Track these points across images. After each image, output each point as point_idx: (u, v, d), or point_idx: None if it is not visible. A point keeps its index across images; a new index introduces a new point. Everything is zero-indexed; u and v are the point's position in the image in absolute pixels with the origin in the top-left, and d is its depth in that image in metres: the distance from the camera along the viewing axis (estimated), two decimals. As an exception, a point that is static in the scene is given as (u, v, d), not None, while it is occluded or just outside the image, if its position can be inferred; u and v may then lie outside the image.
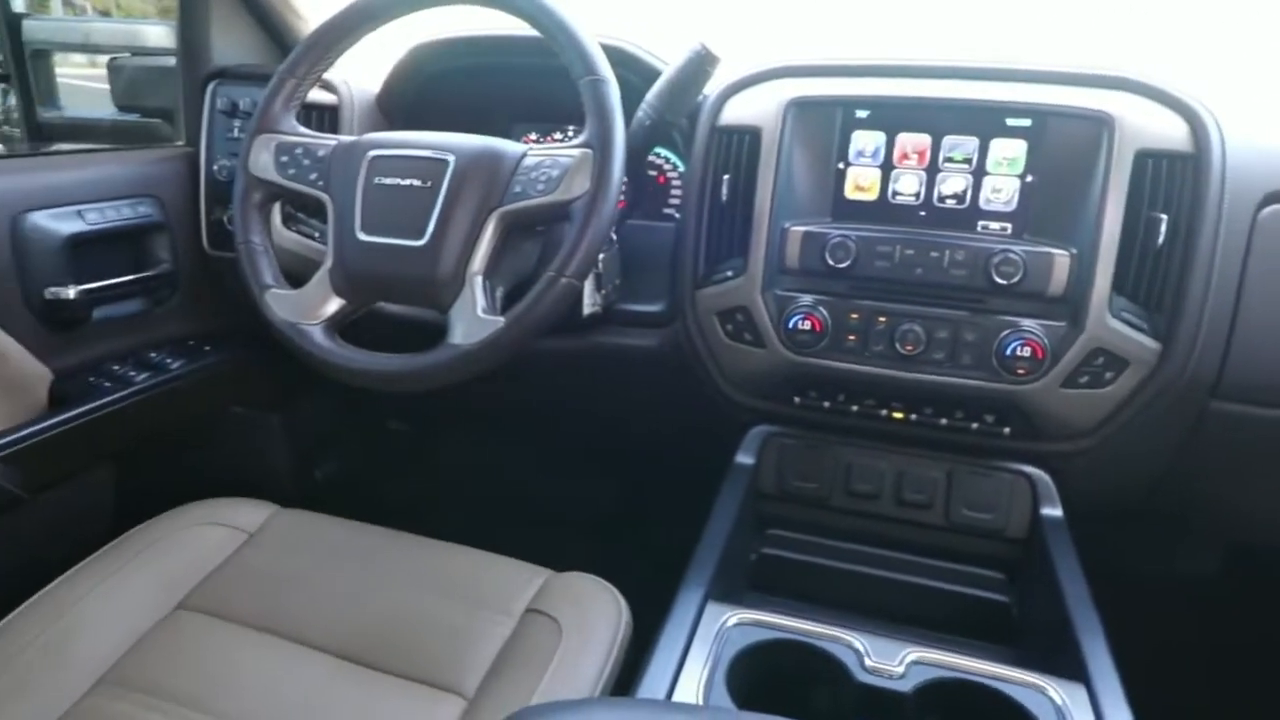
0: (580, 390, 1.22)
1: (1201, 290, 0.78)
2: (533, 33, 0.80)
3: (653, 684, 0.63)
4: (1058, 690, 0.63)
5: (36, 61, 1.36)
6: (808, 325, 0.85)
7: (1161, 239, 0.78)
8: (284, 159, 0.83)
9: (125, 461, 1.08)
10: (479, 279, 0.77)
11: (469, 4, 0.84)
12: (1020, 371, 0.81)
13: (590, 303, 0.90)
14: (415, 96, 1.12)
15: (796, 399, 0.92)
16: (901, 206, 0.87)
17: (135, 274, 1.06)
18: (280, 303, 0.82)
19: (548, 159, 0.77)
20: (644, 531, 1.40)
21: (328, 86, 1.06)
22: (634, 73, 0.96)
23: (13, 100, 1.40)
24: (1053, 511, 0.85)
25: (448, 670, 0.75)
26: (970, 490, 0.89)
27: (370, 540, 0.92)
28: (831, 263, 0.85)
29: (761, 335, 0.88)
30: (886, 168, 0.87)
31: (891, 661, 0.66)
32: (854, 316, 0.86)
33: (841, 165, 0.88)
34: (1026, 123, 0.82)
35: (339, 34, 0.85)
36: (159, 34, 1.32)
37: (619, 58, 0.91)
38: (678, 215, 1.05)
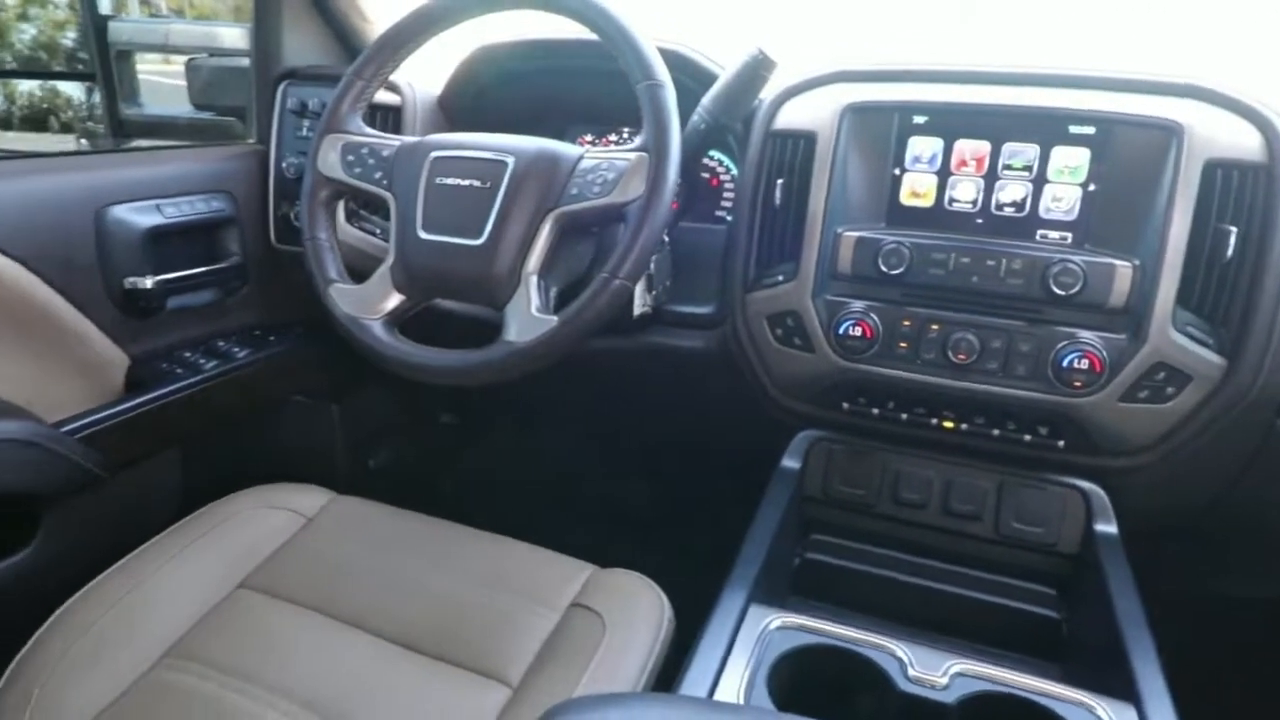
0: (629, 389, 1.24)
1: (1272, 305, 0.76)
2: (591, 37, 0.81)
3: (694, 682, 0.64)
4: (1106, 709, 0.62)
5: (120, 61, 1.43)
6: (858, 331, 0.85)
7: (1230, 251, 0.76)
8: (350, 158, 0.86)
9: (193, 445, 1.13)
10: (534, 278, 0.78)
11: (531, 9, 0.86)
12: (1077, 384, 0.79)
13: (641, 303, 0.91)
14: (476, 98, 1.14)
15: (845, 405, 0.91)
16: (958, 213, 0.86)
17: (207, 266, 1.10)
18: (343, 297, 0.85)
19: (604, 162, 0.78)
20: (687, 530, 1.41)
21: (392, 88, 1.09)
22: (691, 77, 0.97)
23: (97, 97, 1.47)
24: (1107, 528, 0.83)
25: (493, 659, 0.77)
26: (1021, 503, 0.87)
27: (421, 529, 0.95)
28: (884, 269, 0.84)
29: (811, 340, 0.88)
30: (943, 174, 0.86)
31: (935, 672, 0.66)
32: (906, 323, 0.85)
33: (897, 171, 0.87)
34: (1090, 130, 0.80)
35: (405, 38, 0.88)
36: (234, 35, 1.38)
37: (676, 62, 0.92)
38: (730, 218, 1.06)
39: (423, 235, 0.82)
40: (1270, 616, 1.14)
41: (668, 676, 0.74)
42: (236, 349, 1.13)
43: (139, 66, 1.53)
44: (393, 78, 0.94)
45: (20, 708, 0.70)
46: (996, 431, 0.86)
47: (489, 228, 0.79)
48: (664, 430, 1.36)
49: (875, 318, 0.85)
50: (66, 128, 1.74)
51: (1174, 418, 0.80)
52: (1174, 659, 0.67)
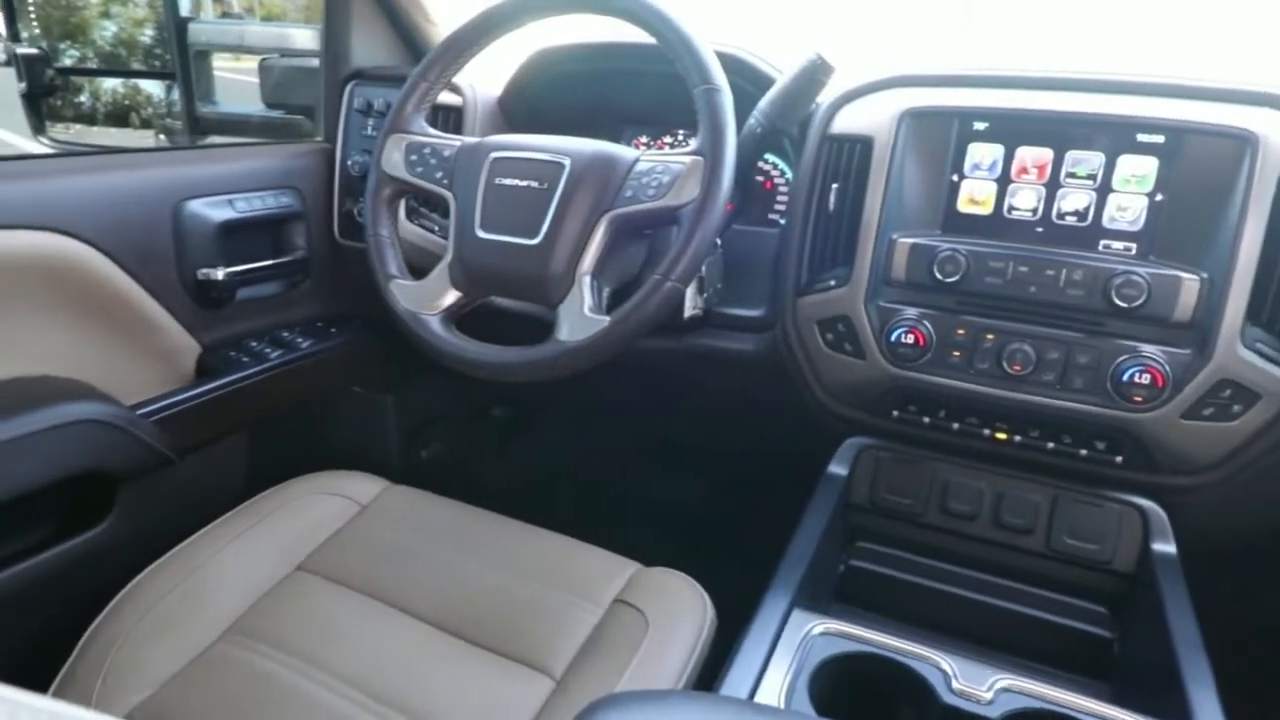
0: (677, 390, 1.24)
1: None
2: (649, 40, 0.82)
3: (735, 683, 0.65)
4: None
5: (198, 61, 1.49)
6: (911, 339, 0.84)
7: None
8: (413, 158, 0.89)
9: (257, 431, 1.17)
10: (587, 278, 0.80)
11: (591, 13, 0.87)
12: (1137, 399, 0.77)
13: (692, 305, 0.92)
14: (534, 99, 1.16)
15: (895, 412, 0.90)
16: (1017, 222, 0.84)
17: (274, 259, 1.15)
18: (403, 292, 0.87)
19: (659, 165, 0.79)
20: (732, 532, 1.41)
21: (454, 89, 1.12)
22: (748, 80, 0.97)
23: (175, 95, 1.54)
24: (1165, 547, 0.81)
25: (537, 651, 0.78)
26: (1075, 518, 0.85)
27: (471, 520, 0.97)
28: (939, 276, 0.83)
29: (862, 346, 0.88)
30: (1003, 181, 0.84)
31: (980, 686, 0.65)
32: (960, 332, 0.84)
33: (955, 177, 0.86)
34: (1159, 139, 0.78)
35: (468, 41, 0.90)
36: (305, 37, 1.42)
37: (734, 65, 0.92)
38: (783, 221, 1.06)
39: (481, 234, 0.84)
40: None
41: (708, 676, 0.75)
42: (300, 340, 1.17)
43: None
44: (455, 79, 0.96)
45: (95, 672, 0.75)
46: (1051, 445, 0.85)
47: (545, 228, 0.81)
48: (711, 432, 1.37)
49: (928, 325, 0.84)
50: (146, 124, 1.82)
51: (1239, 437, 0.77)
52: (1230, 686, 0.65)
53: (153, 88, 1.92)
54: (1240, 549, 0.93)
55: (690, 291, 0.91)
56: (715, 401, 1.22)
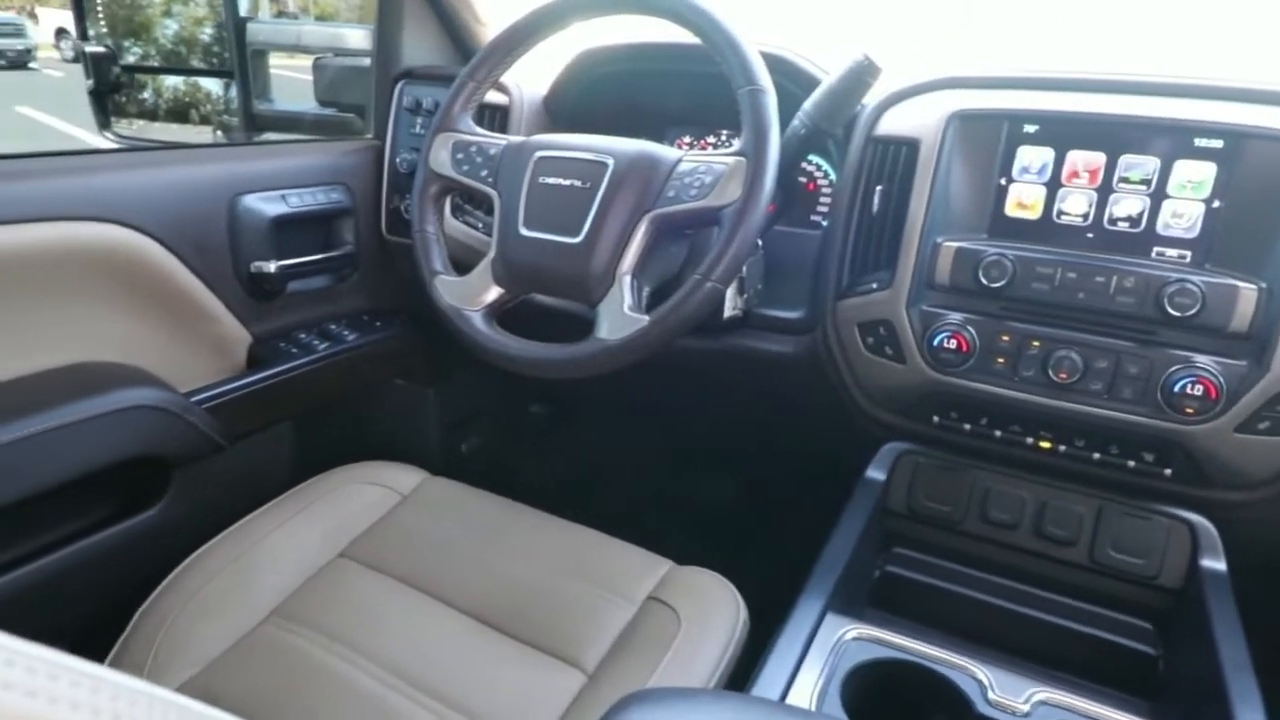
0: (714, 390, 1.24)
1: None
2: (693, 41, 0.83)
3: (767, 684, 0.65)
4: None
5: (255, 60, 1.54)
6: (953, 344, 0.83)
7: None
8: (459, 156, 0.90)
9: (304, 420, 1.20)
10: (628, 278, 0.80)
11: (636, 13, 0.88)
12: (1189, 411, 0.75)
13: (731, 306, 0.92)
14: (579, 98, 1.17)
15: (935, 418, 0.89)
16: (1066, 227, 0.83)
17: (324, 253, 1.17)
18: (447, 288, 0.89)
19: (702, 165, 0.79)
20: (767, 533, 1.41)
21: (501, 88, 1.14)
22: (793, 81, 0.97)
23: (233, 92, 1.59)
24: (1214, 564, 0.79)
25: (571, 645, 0.79)
26: (1121, 531, 0.83)
27: (508, 513, 0.98)
28: (985, 281, 0.82)
29: (903, 350, 0.87)
30: (1053, 185, 0.83)
31: (1017, 698, 0.64)
32: (1004, 339, 0.83)
33: (1003, 181, 0.85)
34: (1218, 144, 0.76)
35: (515, 42, 0.91)
36: (358, 36, 1.46)
37: (779, 66, 0.92)
38: (825, 223, 1.05)
39: (524, 232, 0.85)
40: None
41: (740, 677, 0.75)
42: (346, 332, 1.20)
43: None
44: (502, 79, 0.98)
45: (147, 648, 0.78)
46: (1097, 455, 0.83)
47: (587, 227, 0.81)
48: (748, 432, 1.36)
49: (972, 331, 0.83)
50: (205, 120, 1.88)
51: None
52: (1274, 704, 0.63)
53: (212, 85, 1.99)
54: None
55: (730, 292, 0.91)
56: (752, 402, 1.22)
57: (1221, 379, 0.74)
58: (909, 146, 0.87)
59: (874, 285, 0.88)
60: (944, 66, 0.91)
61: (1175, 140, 0.78)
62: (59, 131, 6.88)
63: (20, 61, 10.83)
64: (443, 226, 0.93)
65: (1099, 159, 0.81)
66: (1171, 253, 0.79)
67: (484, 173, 0.89)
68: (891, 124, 0.89)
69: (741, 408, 1.27)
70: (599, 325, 0.80)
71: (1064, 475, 0.86)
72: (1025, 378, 0.82)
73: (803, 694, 0.65)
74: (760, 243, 0.95)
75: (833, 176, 1.11)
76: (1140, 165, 0.79)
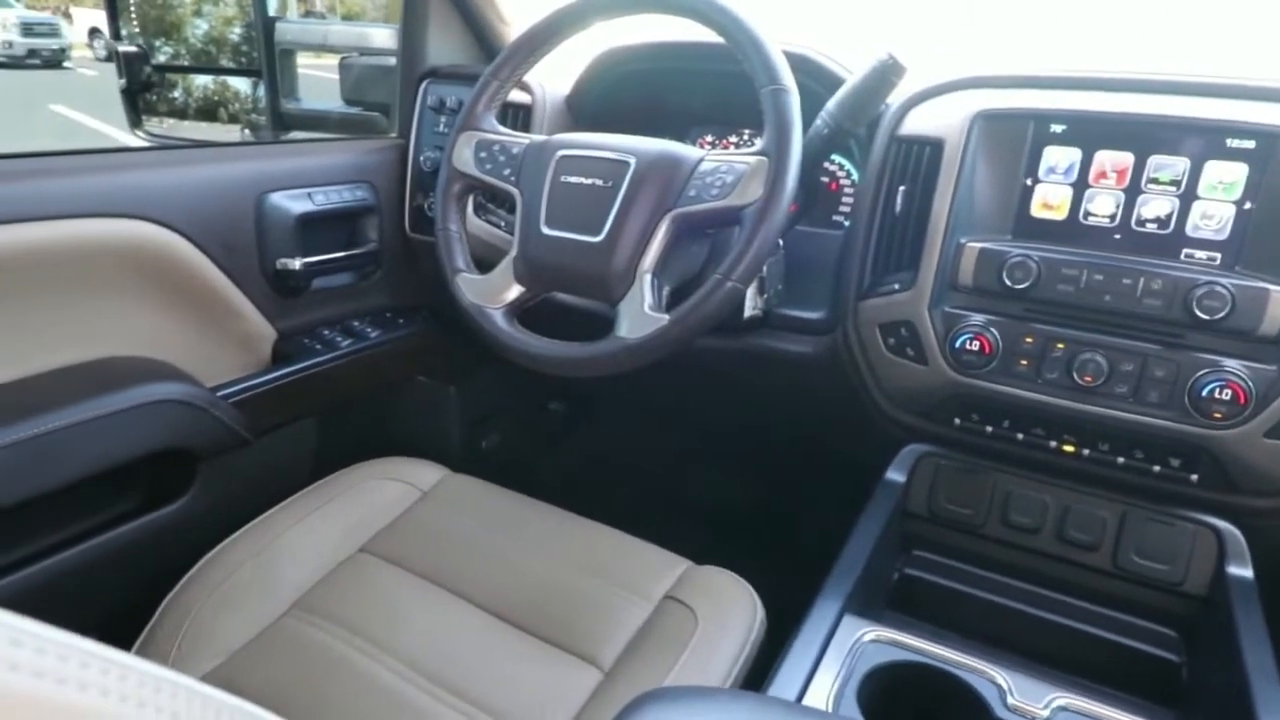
0: (733, 389, 1.24)
1: None
2: (715, 39, 0.82)
3: (784, 685, 0.65)
4: None
5: (283, 59, 1.56)
6: (976, 346, 0.82)
7: None
8: (482, 154, 0.91)
9: (327, 416, 1.22)
10: (648, 277, 0.80)
11: (660, 12, 0.88)
12: (1216, 415, 0.74)
13: (751, 306, 0.92)
14: (601, 98, 1.18)
15: (956, 420, 0.89)
16: (1093, 228, 0.82)
17: (348, 250, 1.19)
18: (469, 286, 0.90)
19: (723, 164, 0.79)
20: (785, 533, 1.40)
21: (524, 87, 1.14)
22: (816, 81, 0.97)
23: (261, 92, 1.61)
24: (1241, 571, 0.77)
25: (587, 642, 0.80)
26: (1145, 537, 0.82)
27: (527, 510, 0.99)
28: (1008, 282, 0.81)
29: (925, 352, 0.86)
30: (1079, 186, 0.82)
31: (1036, 704, 0.64)
32: (1028, 340, 0.82)
33: (1029, 181, 0.84)
34: (1250, 145, 0.75)
35: (539, 41, 0.92)
36: (383, 36, 1.47)
37: (802, 65, 0.92)
38: (847, 223, 1.05)
39: (545, 230, 0.85)
40: None
41: (756, 677, 0.75)
42: (369, 329, 1.21)
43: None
44: (525, 78, 0.98)
45: (172, 638, 0.79)
46: (1122, 459, 0.82)
47: (608, 226, 0.81)
48: (767, 432, 1.36)
49: (995, 332, 0.82)
50: (233, 119, 1.91)
51: None
52: None
53: (240, 84, 2.01)
54: None
55: (751, 292, 0.91)
56: (772, 403, 1.21)
57: (1250, 383, 0.73)
58: (933, 146, 0.86)
59: (896, 286, 0.88)
60: (969, 66, 0.90)
61: (1206, 140, 0.76)
62: (92, 129, 7.01)
63: (55, 60, 11.06)
64: (465, 225, 0.94)
65: (1127, 159, 0.80)
66: (1201, 255, 0.78)
67: (506, 171, 0.89)
68: (915, 124, 0.88)
69: (761, 408, 1.27)
70: (619, 324, 0.80)
71: (1087, 479, 0.85)
72: (1049, 380, 0.81)
73: (819, 695, 0.64)
74: (781, 242, 0.94)
75: (855, 176, 1.10)
76: (1170, 166, 0.78)
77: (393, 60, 1.28)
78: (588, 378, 0.83)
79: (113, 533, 0.92)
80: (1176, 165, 0.78)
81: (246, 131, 1.87)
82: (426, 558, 0.90)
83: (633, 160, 0.82)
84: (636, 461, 1.66)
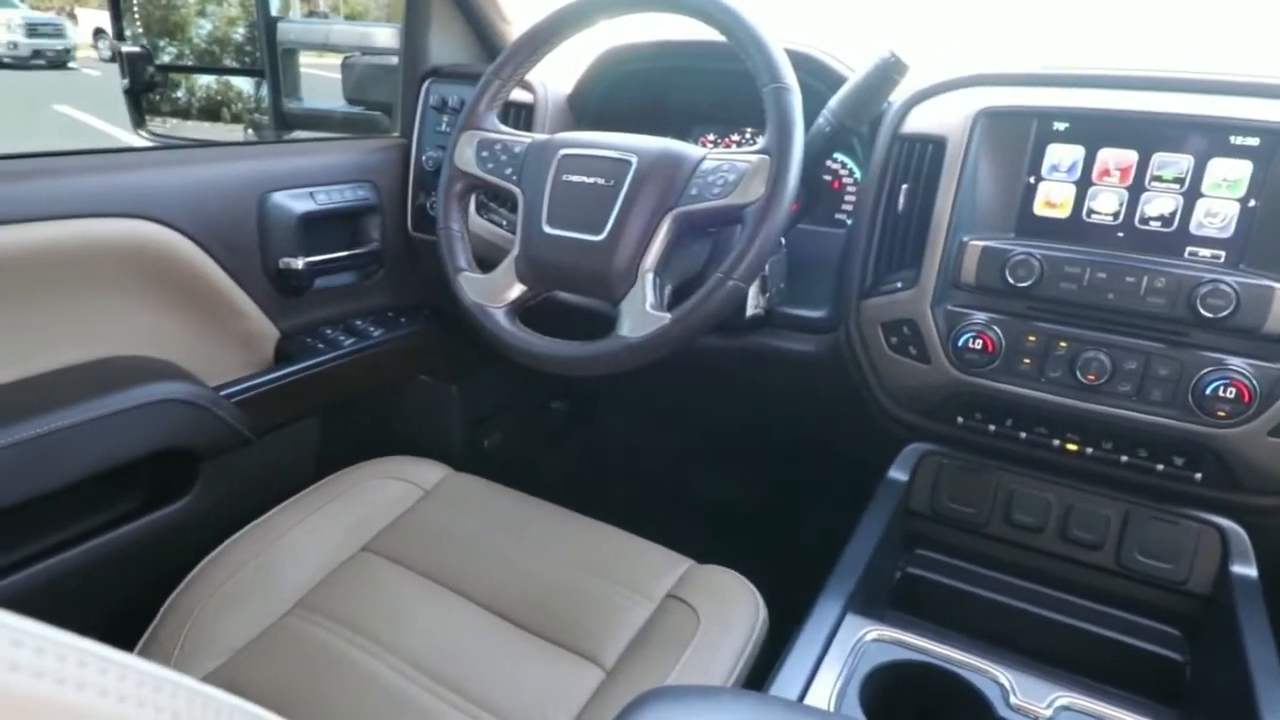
0: (735, 388, 1.24)
1: None
2: (717, 38, 0.82)
3: (785, 684, 0.65)
4: None
5: (285, 59, 1.56)
6: (979, 344, 0.82)
7: None
8: (484, 154, 0.91)
9: (329, 415, 1.22)
10: (650, 275, 0.80)
11: (662, 11, 0.88)
12: (1220, 414, 0.74)
13: (754, 304, 0.92)
14: (603, 97, 1.18)
15: (959, 419, 0.88)
16: (1096, 226, 0.81)
17: (350, 250, 1.19)
18: (471, 285, 0.90)
19: (725, 163, 0.79)
20: (785, 532, 1.40)
21: (526, 86, 1.14)
22: (819, 79, 0.96)
23: (264, 91, 1.61)
24: (1245, 570, 0.77)
25: (589, 641, 0.80)
26: (1149, 535, 0.82)
27: (529, 510, 0.99)
28: (1011, 281, 0.81)
29: (927, 350, 0.86)
30: (1083, 184, 0.82)
31: (1039, 703, 0.63)
32: (1031, 339, 0.82)
33: (1032, 179, 0.84)
34: (1254, 142, 0.74)
35: (540, 40, 0.92)
36: (385, 35, 1.47)
37: (804, 64, 0.92)
38: (849, 222, 1.04)
39: (547, 229, 0.85)
40: None
41: (758, 676, 0.75)
42: (372, 328, 1.21)
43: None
44: (527, 77, 0.98)
45: (174, 638, 0.79)
46: (1125, 458, 0.81)
47: (610, 224, 0.81)
48: (768, 432, 1.36)
49: (998, 331, 0.82)
50: (236, 119, 1.91)
51: None
52: None
53: (243, 84, 2.01)
54: None
55: (753, 291, 0.91)
56: (774, 401, 1.21)
57: (1255, 382, 0.73)
58: (935, 144, 0.86)
59: (898, 284, 0.88)
60: (971, 63, 0.90)
61: (1210, 138, 0.76)
62: (96, 129, 7.03)
63: (60, 61, 11.10)
64: (467, 224, 0.94)
65: (1131, 157, 0.79)
66: (1205, 253, 0.78)
67: (508, 170, 0.89)
68: (918, 122, 0.88)
69: (763, 407, 1.27)
70: (621, 323, 0.80)
71: (1090, 478, 0.85)
72: (1052, 379, 0.81)
73: (821, 694, 0.64)
74: (783, 241, 0.94)
75: (858, 175, 1.10)
76: (1174, 163, 0.78)
77: (395, 60, 1.28)
78: (590, 377, 0.83)
79: (115, 532, 0.92)
80: (1180, 163, 0.78)
81: (249, 131, 1.87)
82: (429, 557, 0.90)
83: (634, 159, 0.82)
84: (638, 461, 1.65)
